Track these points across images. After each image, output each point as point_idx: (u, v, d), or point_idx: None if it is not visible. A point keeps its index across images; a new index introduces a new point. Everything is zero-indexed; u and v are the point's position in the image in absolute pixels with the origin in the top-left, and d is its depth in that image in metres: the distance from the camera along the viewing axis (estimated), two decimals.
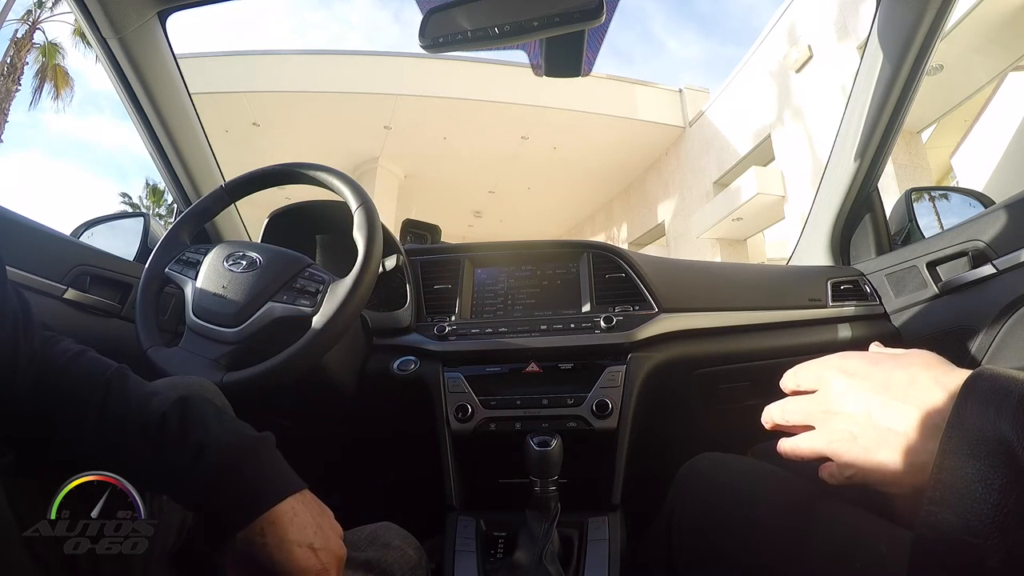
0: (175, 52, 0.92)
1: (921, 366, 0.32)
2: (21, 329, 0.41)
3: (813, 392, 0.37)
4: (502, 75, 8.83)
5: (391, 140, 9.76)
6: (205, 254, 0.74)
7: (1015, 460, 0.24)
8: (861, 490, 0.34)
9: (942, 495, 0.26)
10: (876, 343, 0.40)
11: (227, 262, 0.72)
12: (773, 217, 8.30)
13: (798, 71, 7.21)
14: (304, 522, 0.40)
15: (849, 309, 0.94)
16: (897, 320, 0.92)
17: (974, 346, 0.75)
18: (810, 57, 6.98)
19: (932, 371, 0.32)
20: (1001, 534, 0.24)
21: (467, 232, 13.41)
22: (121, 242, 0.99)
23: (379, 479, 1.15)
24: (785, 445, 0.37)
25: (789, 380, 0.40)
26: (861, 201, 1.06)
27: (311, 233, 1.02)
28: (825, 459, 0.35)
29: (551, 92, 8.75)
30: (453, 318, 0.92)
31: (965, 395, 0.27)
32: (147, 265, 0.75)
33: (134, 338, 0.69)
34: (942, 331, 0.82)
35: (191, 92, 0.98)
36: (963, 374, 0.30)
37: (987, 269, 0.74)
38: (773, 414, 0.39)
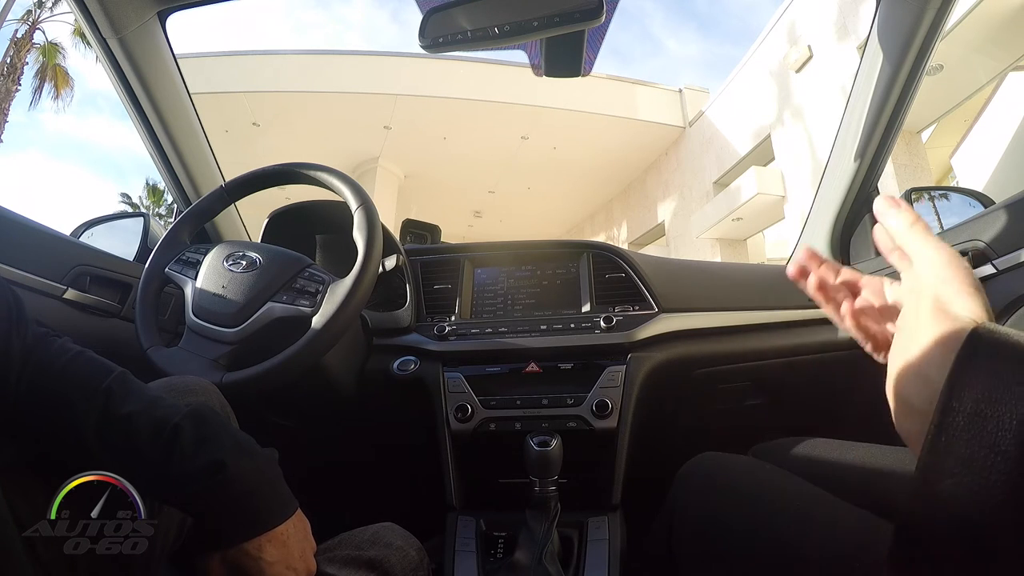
0: (175, 52, 0.92)
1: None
2: (14, 323, 0.41)
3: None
4: (502, 75, 8.82)
5: (391, 140, 9.75)
6: (205, 254, 0.74)
7: None
8: (861, 490, 0.34)
9: (942, 460, 0.23)
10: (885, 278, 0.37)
11: (227, 262, 0.72)
12: (773, 217, 8.29)
13: (798, 71, 7.20)
14: (293, 546, 0.43)
15: None
16: None
17: None
18: (810, 57, 6.97)
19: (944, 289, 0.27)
20: (1014, 509, 0.20)
21: (467, 232, 13.40)
22: (121, 242, 0.99)
23: (380, 479, 1.15)
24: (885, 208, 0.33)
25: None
26: (861, 201, 1.06)
27: (311, 233, 1.02)
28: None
29: (551, 92, 8.73)
30: (453, 318, 0.92)
31: (970, 351, 0.24)
32: (147, 265, 0.75)
33: (134, 338, 0.69)
34: None
35: (191, 92, 0.98)
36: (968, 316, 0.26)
37: (987, 269, 0.74)
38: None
